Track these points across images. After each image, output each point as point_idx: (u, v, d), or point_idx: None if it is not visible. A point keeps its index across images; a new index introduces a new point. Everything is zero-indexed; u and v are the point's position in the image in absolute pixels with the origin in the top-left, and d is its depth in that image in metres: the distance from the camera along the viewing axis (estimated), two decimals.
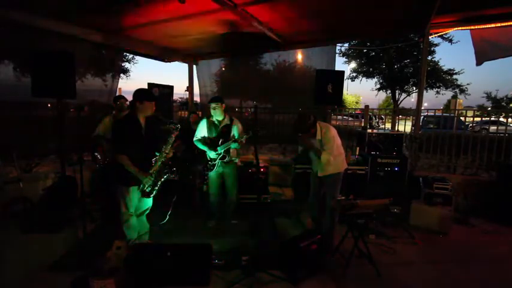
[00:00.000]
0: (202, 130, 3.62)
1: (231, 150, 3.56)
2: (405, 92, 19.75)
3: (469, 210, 4.26)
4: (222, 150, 3.49)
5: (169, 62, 6.80)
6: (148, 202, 2.99)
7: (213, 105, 3.48)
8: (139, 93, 2.75)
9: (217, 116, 3.54)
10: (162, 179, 2.86)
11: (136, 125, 2.73)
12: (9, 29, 4.31)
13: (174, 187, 4.47)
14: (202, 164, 3.68)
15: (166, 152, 2.82)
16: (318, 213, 3.47)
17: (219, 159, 3.51)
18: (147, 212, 3.04)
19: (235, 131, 3.56)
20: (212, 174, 3.61)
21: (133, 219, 2.83)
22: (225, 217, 3.81)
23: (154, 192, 2.83)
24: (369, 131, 4.46)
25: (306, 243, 2.69)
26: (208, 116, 3.63)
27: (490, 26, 4.21)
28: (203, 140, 3.60)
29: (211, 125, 3.59)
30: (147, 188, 2.75)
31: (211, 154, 3.51)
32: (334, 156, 3.14)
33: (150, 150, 2.83)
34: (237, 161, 3.71)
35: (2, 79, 4.58)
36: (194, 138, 3.62)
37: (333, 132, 3.16)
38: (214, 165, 3.53)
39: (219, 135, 3.54)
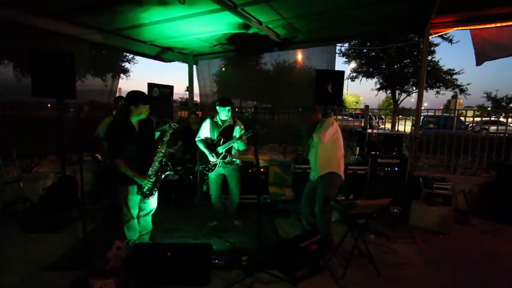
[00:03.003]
0: (205, 130, 3.60)
1: (233, 152, 3.56)
2: (405, 92, 19.76)
3: (469, 210, 4.26)
4: (223, 150, 3.48)
5: (169, 62, 6.80)
6: (153, 203, 2.98)
7: (228, 108, 3.47)
8: (133, 97, 2.66)
9: (224, 117, 3.53)
10: (161, 179, 2.86)
11: (129, 128, 2.68)
12: (9, 29, 4.31)
13: (175, 187, 4.49)
14: (202, 164, 3.65)
15: (163, 151, 2.82)
16: (312, 217, 3.43)
17: (220, 158, 3.51)
18: (152, 212, 3.04)
19: (237, 132, 3.54)
20: (212, 175, 3.60)
21: (134, 221, 2.83)
22: (230, 218, 3.82)
23: (154, 193, 2.83)
24: (369, 131, 4.46)
25: (306, 243, 2.69)
26: (212, 116, 3.62)
27: (490, 26, 4.21)
28: (205, 141, 3.58)
29: (214, 125, 3.58)
30: (146, 190, 2.74)
31: (210, 156, 3.49)
32: (333, 157, 3.12)
33: (146, 152, 2.82)
34: (239, 162, 3.69)
35: (2, 79, 4.57)
36: (196, 138, 3.60)
37: (333, 121, 3.13)
38: (215, 165, 3.52)
39: (221, 135, 3.53)
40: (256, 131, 3.19)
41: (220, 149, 3.48)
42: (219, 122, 3.57)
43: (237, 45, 5.70)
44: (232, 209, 3.80)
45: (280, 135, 7.22)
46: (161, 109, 5.69)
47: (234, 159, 3.60)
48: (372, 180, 4.26)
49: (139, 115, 2.69)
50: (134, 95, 2.69)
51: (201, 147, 3.55)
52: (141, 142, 2.74)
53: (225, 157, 3.50)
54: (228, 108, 3.47)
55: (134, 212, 2.80)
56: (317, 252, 2.79)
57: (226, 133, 3.54)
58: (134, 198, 2.75)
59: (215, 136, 3.55)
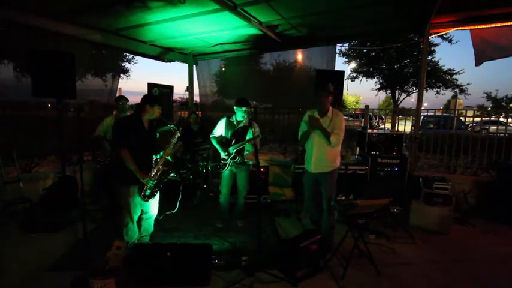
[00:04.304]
0: (220, 128, 3.61)
1: (245, 153, 3.55)
2: (405, 92, 19.78)
3: (469, 210, 4.26)
4: (234, 151, 3.48)
5: (170, 62, 6.80)
6: (154, 209, 2.98)
7: (244, 109, 3.43)
8: (150, 97, 2.83)
9: (239, 117, 3.52)
10: (163, 180, 2.85)
11: (140, 125, 2.74)
12: (9, 29, 4.31)
13: (176, 187, 4.49)
14: (215, 161, 3.67)
15: (168, 153, 2.82)
16: (316, 214, 3.45)
17: (230, 159, 3.51)
18: (154, 217, 3.04)
19: (250, 134, 3.48)
20: (226, 173, 3.59)
21: (133, 225, 2.82)
22: (235, 218, 3.83)
23: (155, 195, 2.83)
24: (369, 131, 4.46)
25: (306, 243, 2.69)
26: (229, 116, 3.62)
27: (490, 26, 4.21)
28: (219, 139, 3.59)
29: (229, 124, 3.58)
30: (147, 190, 2.74)
31: (222, 154, 3.52)
32: (338, 152, 3.14)
33: (150, 151, 2.83)
34: (251, 163, 3.67)
35: (2, 79, 4.56)
36: (211, 135, 3.63)
37: (343, 117, 3.14)
38: (226, 164, 3.53)
39: (234, 135, 3.53)
40: (265, 136, 3.20)
41: (231, 150, 3.49)
42: (234, 122, 3.57)
43: (237, 45, 5.70)
44: (239, 209, 3.81)
45: (280, 135, 7.21)
46: (161, 109, 5.68)
47: (245, 160, 3.60)
48: (372, 180, 4.26)
49: (152, 115, 2.79)
50: (151, 96, 2.91)
51: (214, 143, 3.59)
52: (147, 141, 2.78)
53: (234, 157, 3.51)
54: (244, 109, 3.43)
55: (135, 215, 2.78)
56: (317, 252, 2.79)
57: (239, 134, 3.53)
58: (136, 200, 2.74)
59: (229, 136, 3.56)
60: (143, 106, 2.74)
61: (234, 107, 3.50)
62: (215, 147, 3.64)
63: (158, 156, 2.88)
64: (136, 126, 2.73)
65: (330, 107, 3.13)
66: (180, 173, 4.46)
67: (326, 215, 3.18)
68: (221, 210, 3.77)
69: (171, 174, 2.94)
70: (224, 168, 3.55)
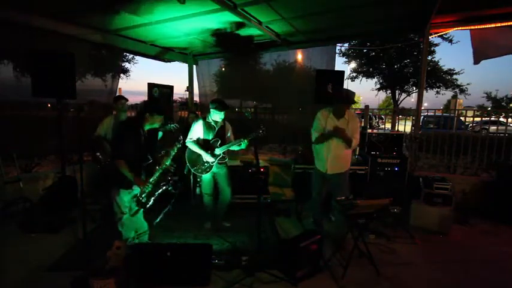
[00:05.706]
0: (198, 131, 3.48)
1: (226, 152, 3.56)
2: (405, 92, 19.78)
3: (469, 210, 4.26)
4: (221, 152, 3.46)
5: (169, 62, 6.80)
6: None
7: (224, 112, 3.41)
8: (151, 105, 2.77)
9: (218, 118, 3.47)
10: (160, 190, 2.78)
11: (138, 134, 2.70)
12: (9, 29, 4.31)
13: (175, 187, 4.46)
14: (193, 166, 3.58)
15: (167, 163, 2.78)
16: (320, 213, 3.46)
17: (217, 160, 3.46)
18: (143, 210, 2.98)
19: (229, 133, 3.60)
20: (206, 175, 3.53)
21: (126, 218, 2.79)
22: (218, 218, 3.74)
23: (150, 203, 2.75)
24: (369, 131, 4.46)
25: (306, 243, 2.69)
26: (204, 117, 3.56)
27: (489, 26, 4.22)
28: (197, 142, 3.48)
29: (208, 126, 3.50)
30: (143, 198, 2.69)
31: (208, 157, 3.42)
32: (351, 152, 3.20)
33: (147, 159, 2.81)
34: (227, 160, 3.65)
35: (2, 79, 4.56)
36: (188, 140, 3.45)
37: (358, 120, 3.24)
38: (210, 166, 3.46)
39: (217, 137, 3.50)
40: (258, 135, 3.19)
41: (218, 151, 3.44)
42: (213, 124, 3.49)
43: (237, 45, 5.70)
44: (222, 209, 3.70)
45: (280, 135, 7.21)
46: (162, 118, 5.67)
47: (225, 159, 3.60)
48: (372, 180, 4.26)
49: (152, 124, 2.76)
50: (151, 104, 2.84)
51: (195, 148, 3.42)
52: (145, 149, 2.75)
53: (223, 158, 3.49)
54: (224, 112, 3.42)
55: (125, 209, 2.75)
56: (317, 252, 2.79)
57: (220, 134, 3.52)
58: (124, 198, 2.71)
59: (209, 137, 3.49)
60: (143, 114, 2.71)
61: (213, 110, 3.40)
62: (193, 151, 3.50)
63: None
64: (134, 135, 2.67)
65: (346, 110, 3.22)
66: (178, 186, 4.41)
67: (339, 215, 3.22)
68: (207, 210, 3.72)
69: (166, 186, 2.84)
70: (208, 171, 3.46)
